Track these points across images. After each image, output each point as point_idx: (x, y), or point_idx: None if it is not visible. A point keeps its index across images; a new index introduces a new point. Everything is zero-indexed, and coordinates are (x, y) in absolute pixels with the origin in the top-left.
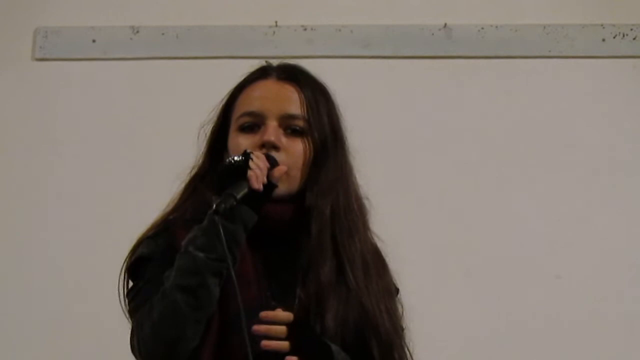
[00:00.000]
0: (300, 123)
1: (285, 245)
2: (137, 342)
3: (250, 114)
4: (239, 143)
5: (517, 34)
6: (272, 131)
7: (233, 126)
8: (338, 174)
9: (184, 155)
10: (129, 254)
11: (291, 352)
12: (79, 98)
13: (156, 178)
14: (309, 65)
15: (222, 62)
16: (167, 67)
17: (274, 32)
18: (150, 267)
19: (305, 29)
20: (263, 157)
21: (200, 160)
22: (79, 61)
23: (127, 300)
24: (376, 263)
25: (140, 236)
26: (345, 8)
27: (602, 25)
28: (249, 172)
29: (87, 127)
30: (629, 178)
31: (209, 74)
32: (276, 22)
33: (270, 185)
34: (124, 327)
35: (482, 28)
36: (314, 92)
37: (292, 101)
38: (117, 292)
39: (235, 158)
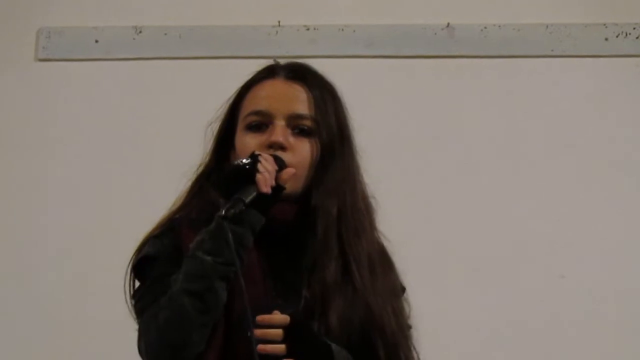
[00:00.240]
0: (308, 123)
1: (290, 245)
2: (144, 346)
3: (257, 113)
4: (246, 142)
5: (519, 34)
6: (279, 131)
7: (240, 125)
8: (345, 173)
9: (186, 155)
10: (134, 253)
11: (288, 355)
12: (82, 98)
13: (158, 178)
14: (311, 65)
15: (225, 62)
16: (169, 67)
17: (277, 32)
18: (156, 267)
19: (307, 29)
20: (271, 159)
21: (207, 159)
22: (82, 61)
23: (133, 301)
24: (382, 263)
25: (146, 235)
26: (347, 8)
27: (604, 24)
28: (258, 176)
29: (89, 128)
30: (632, 177)
31: (211, 74)
32: (279, 21)
33: (278, 188)
34: (124, 327)
35: (485, 27)
36: (322, 91)
37: (300, 101)
38: (115, 291)
39: (244, 161)
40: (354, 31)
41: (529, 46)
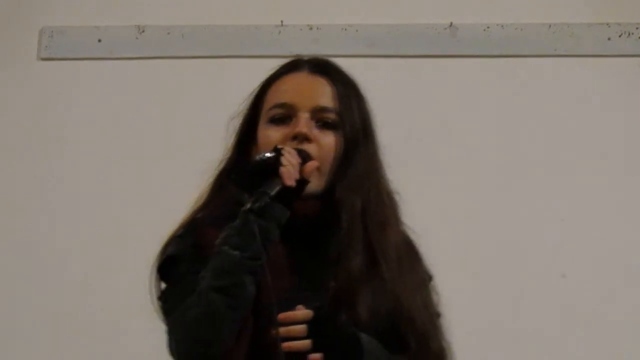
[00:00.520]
0: (332, 116)
1: (315, 240)
2: (175, 345)
3: (281, 105)
4: (269, 135)
5: (522, 33)
6: (304, 123)
7: (263, 119)
8: (368, 168)
9: (189, 154)
10: (158, 254)
11: (315, 349)
12: (85, 98)
13: (161, 176)
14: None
15: (228, 61)
16: (172, 66)
17: (280, 32)
18: (181, 267)
19: (310, 28)
20: (294, 152)
21: (228, 154)
22: (85, 61)
23: (160, 302)
24: (409, 255)
25: (170, 236)
26: (350, 7)
27: (607, 24)
28: (282, 169)
29: (92, 127)
30: (635, 176)
31: (214, 74)
32: (282, 21)
33: (302, 181)
34: (126, 327)
35: (488, 27)
36: (346, 86)
37: (324, 94)
38: (123, 291)
39: (267, 154)
40: (357, 31)
41: (531, 46)
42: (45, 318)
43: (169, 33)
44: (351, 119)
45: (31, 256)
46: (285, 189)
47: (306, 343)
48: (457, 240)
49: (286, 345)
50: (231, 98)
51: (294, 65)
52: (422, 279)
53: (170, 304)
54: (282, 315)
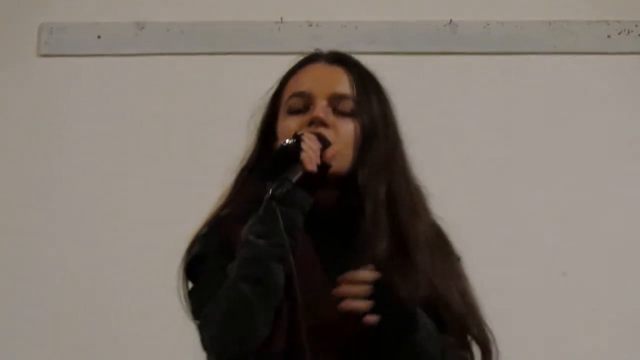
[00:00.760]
0: (350, 103)
1: (340, 230)
2: (208, 341)
3: (299, 94)
4: (288, 125)
5: (522, 31)
6: (320, 108)
7: (282, 111)
8: (390, 156)
9: (188, 150)
10: (185, 253)
11: (373, 311)
12: (84, 94)
13: (161, 173)
14: None
15: (228, 58)
16: (172, 63)
17: (279, 28)
18: (208, 264)
19: (310, 25)
20: (314, 137)
21: (250, 151)
22: (84, 57)
23: (190, 300)
24: (440, 243)
25: (194, 235)
26: (350, 4)
27: (607, 21)
28: (302, 155)
29: (92, 123)
30: (634, 174)
31: (214, 70)
32: (281, 18)
33: (324, 166)
34: (128, 326)
35: (488, 24)
36: (363, 76)
37: (341, 82)
38: (127, 290)
39: (287, 141)
40: (357, 27)
41: (531, 43)
42: (45, 318)
43: (168, 30)
44: (369, 106)
45: (29, 255)
46: (307, 174)
47: (366, 303)
48: (457, 238)
49: (345, 303)
50: (231, 95)
51: (311, 58)
52: (454, 266)
53: (200, 300)
54: (347, 274)
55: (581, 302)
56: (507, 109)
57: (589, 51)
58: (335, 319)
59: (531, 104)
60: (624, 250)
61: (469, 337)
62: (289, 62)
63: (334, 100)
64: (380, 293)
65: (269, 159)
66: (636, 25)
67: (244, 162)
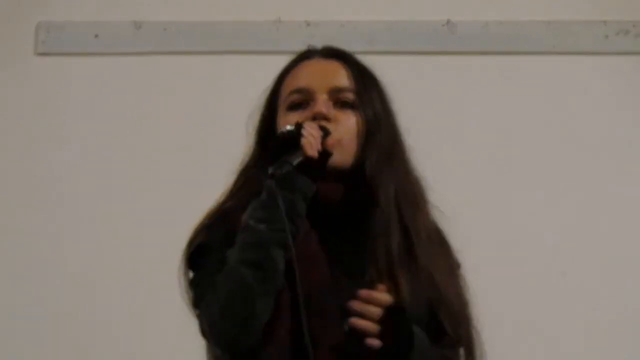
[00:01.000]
0: (350, 95)
1: (346, 224)
2: (208, 326)
3: (299, 90)
4: (289, 121)
5: (520, 30)
6: (322, 103)
7: (281, 107)
8: (393, 147)
9: (186, 150)
10: (186, 244)
11: (378, 336)
12: (81, 93)
13: (159, 172)
14: None
15: (225, 57)
16: (169, 62)
17: (277, 28)
18: (212, 254)
19: (308, 25)
20: (315, 125)
21: (251, 151)
22: (81, 56)
23: (191, 290)
24: (439, 240)
25: (197, 226)
26: (348, 4)
27: (605, 21)
28: (303, 140)
29: (89, 122)
30: (632, 174)
31: (211, 70)
32: (279, 17)
33: (325, 154)
34: (127, 326)
35: (486, 24)
36: (361, 68)
37: (340, 75)
38: (127, 289)
39: (288, 127)
40: (355, 27)
41: (529, 43)
42: (45, 317)
43: (165, 29)
44: (369, 98)
45: (28, 253)
46: (308, 160)
47: (374, 326)
48: (456, 238)
49: (354, 321)
50: (228, 94)
51: (306, 54)
52: (452, 264)
53: (202, 290)
54: (364, 293)
55: (580, 302)
56: (506, 108)
57: (587, 51)
58: (338, 319)
59: (529, 104)
60: (623, 250)
61: (460, 335)
62: (287, 61)
63: (334, 93)
64: (390, 320)
65: (270, 144)
66: (634, 26)
67: (245, 162)
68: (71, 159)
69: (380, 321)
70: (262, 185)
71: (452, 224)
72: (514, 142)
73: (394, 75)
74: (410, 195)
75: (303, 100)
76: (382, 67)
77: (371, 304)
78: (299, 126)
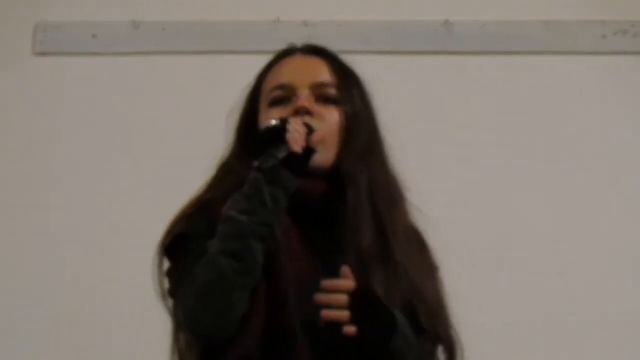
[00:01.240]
0: (332, 91)
1: (326, 221)
2: (183, 314)
3: (280, 87)
4: (272, 117)
5: (518, 30)
6: (304, 98)
7: (263, 105)
8: (372, 143)
9: (183, 150)
10: (164, 234)
11: (352, 322)
12: (80, 93)
13: (157, 172)
14: None
15: (223, 57)
16: (168, 62)
17: (275, 28)
18: (192, 244)
19: (306, 25)
20: (300, 122)
21: (231, 148)
22: (80, 56)
23: (168, 278)
24: (417, 239)
25: (176, 217)
26: (346, 4)
27: (603, 21)
28: (288, 135)
29: (87, 123)
30: (631, 174)
31: (209, 70)
32: (278, 17)
33: (309, 150)
34: (127, 326)
35: (484, 24)
36: (342, 65)
37: (322, 71)
38: (125, 288)
39: (273, 122)
40: (353, 27)
41: (527, 43)
42: (45, 318)
43: (164, 29)
44: (350, 94)
45: (26, 254)
46: (293, 156)
47: (345, 314)
48: (453, 238)
49: (325, 313)
50: (227, 94)
51: (287, 52)
52: (431, 265)
53: (180, 276)
54: (326, 283)
55: (577, 303)
56: (504, 108)
57: (585, 51)
58: (316, 315)
59: (527, 104)
60: (621, 250)
61: (437, 337)
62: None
63: (317, 89)
64: (359, 303)
65: (255, 138)
66: (632, 26)
67: (224, 159)
68: (69, 159)
69: (349, 308)
70: (242, 178)
71: (447, 223)
72: (511, 142)
73: (392, 75)
74: (387, 193)
75: (285, 97)
76: (380, 67)
77: (336, 293)
78: (284, 121)
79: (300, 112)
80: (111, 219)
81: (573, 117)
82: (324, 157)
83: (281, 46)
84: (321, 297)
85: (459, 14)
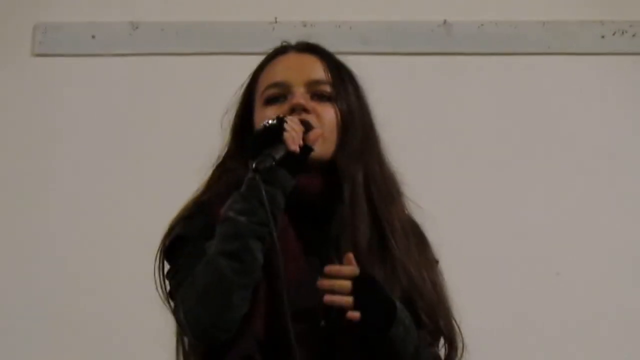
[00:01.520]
0: (327, 88)
1: (323, 218)
2: (183, 315)
3: (275, 84)
4: (267, 115)
5: (516, 31)
6: (300, 95)
7: (258, 103)
8: (366, 140)
9: (182, 151)
10: (164, 236)
11: (355, 308)
12: (78, 94)
13: (155, 174)
14: None
15: (222, 58)
16: (166, 63)
17: (274, 28)
18: (190, 245)
19: (304, 25)
20: (297, 120)
21: (227, 148)
22: (79, 57)
23: (168, 280)
24: (415, 233)
25: (174, 218)
26: (344, 4)
27: (601, 21)
28: (285, 134)
29: (86, 123)
30: (629, 174)
31: (208, 70)
32: (276, 18)
33: (306, 149)
34: (127, 326)
35: (482, 24)
36: (335, 61)
37: (316, 68)
38: (124, 288)
39: (270, 121)
40: (351, 28)
41: (525, 43)
42: (44, 317)
43: (162, 30)
44: (345, 91)
45: (25, 254)
46: (290, 155)
47: (349, 299)
48: (451, 237)
49: (328, 298)
50: (225, 95)
51: (281, 50)
52: (429, 259)
53: (180, 277)
54: (329, 268)
55: (575, 302)
56: (502, 109)
57: (583, 51)
58: (317, 307)
59: (525, 104)
60: (620, 250)
61: (439, 330)
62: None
63: (312, 86)
64: (361, 289)
65: (252, 137)
66: (630, 26)
67: (220, 159)
68: (68, 159)
69: (353, 293)
70: (238, 178)
71: (447, 223)
72: (510, 142)
73: (390, 75)
74: (384, 188)
75: (280, 94)
76: (378, 68)
77: (340, 279)
78: (281, 120)
79: (297, 109)
80: (110, 218)
81: (572, 117)
82: (322, 152)
83: None
84: (324, 282)
85: (458, 14)
